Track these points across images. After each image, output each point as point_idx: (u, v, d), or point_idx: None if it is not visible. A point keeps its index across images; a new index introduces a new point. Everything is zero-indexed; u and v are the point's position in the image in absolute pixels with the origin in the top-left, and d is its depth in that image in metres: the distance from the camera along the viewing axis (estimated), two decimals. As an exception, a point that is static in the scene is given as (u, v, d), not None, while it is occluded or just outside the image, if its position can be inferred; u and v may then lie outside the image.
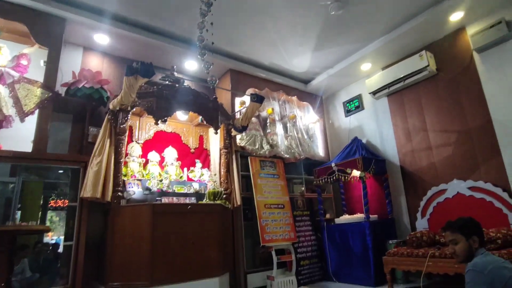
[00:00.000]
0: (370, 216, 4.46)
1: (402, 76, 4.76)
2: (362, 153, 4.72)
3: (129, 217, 3.43)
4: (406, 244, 4.00)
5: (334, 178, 4.75)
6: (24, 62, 3.93)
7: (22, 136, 3.74)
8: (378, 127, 5.28)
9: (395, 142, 5.01)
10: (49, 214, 3.76)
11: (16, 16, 3.64)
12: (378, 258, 4.05)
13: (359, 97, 5.63)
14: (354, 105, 5.69)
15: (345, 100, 5.90)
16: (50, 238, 3.73)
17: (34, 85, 3.88)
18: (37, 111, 3.83)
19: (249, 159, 4.65)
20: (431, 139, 4.57)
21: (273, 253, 4.05)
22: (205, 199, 4.11)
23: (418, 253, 3.56)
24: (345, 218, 4.79)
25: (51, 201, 3.78)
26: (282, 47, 4.71)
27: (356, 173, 4.69)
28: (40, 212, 3.71)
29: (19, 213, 3.53)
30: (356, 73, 5.43)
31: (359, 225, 4.41)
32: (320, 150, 5.76)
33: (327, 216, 5.18)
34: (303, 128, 5.56)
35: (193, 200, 4.12)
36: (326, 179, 4.86)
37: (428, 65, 4.45)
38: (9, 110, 3.71)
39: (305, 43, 4.67)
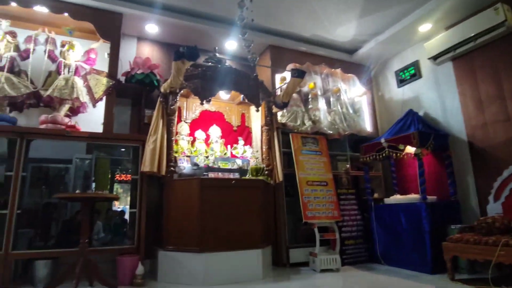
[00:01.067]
0: (428, 197, 3.74)
1: (472, 35, 3.88)
2: (418, 127, 3.99)
3: (180, 190, 3.60)
4: (473, 230, 3.35)
5: (383, 155, 4.14)
6: (92, 56, 4.25)
7: (93, 119, 4.03)
8: (439, 97, 4.41)
9: (461, 114, 4.13)
10: (115, 186, 4.07)
11: (84, 16, 3.96)
12: (436, 244, 3.51)
13: (415, 64, 4.80)
14: (409, 74, 4.86)
15: (397, 68, 5.11)
16: (117, 207, 4.05)
17: (101, 75, 4.16)
18: (104, 98, 4.07)
19: (290, 136, 4.39)
20: (510, 109, 3.55)
21: (316, 230, 3.86)
22: (248, 175, 4.09)
23: (488, 241, 2.98)
24: (397, 198, 4.17)
25: (117, 175, 4.08)
26: (324, 17, 4.26)
27: (410, 149, 3.97)
28: (109, 185, 3.98)
29: (93, 184, 3.82)
30: (412, 37, 4.63)
31: (414, 206, 3.81)
32: (367, 125, 5.17)
33: (375, 195, 4.60)
34: (348, 102, 5.02)
35: (236, 175, 4.10)
36: (374, 156, 4.26)
37: (505, 20, 3.44)
38: (84, 97, 3.98)
39: (350, 9, 4.16)
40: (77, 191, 3.56)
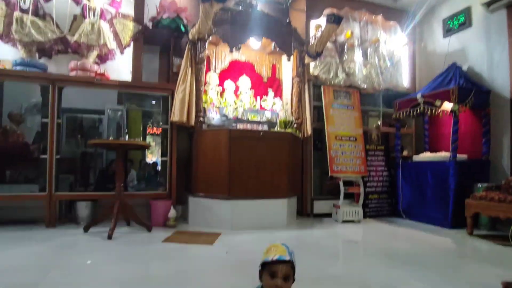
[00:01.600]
0: (458, 155, 3.59)
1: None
2: (459, 82, 3.71)
3: (209, 140, 3.61)
4: (500, 189, 3.31)
5: (418, 111, 3.93)
6: (117, -2, 3.92)
7: (122, 68, 3.95)
8: (487, 49, 4.03)
9: (508, 69, 3.76)
10: (148, 139, 4.12)
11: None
12: (459, 201, 3.52)
13: (466, 11, 4.29)
14: (458, 22, 4.40)
15: (446, 16, 4.60)
16: (150, 159, 4.23)
17: (127, 19, 3.98)
18: (132, 44, 3.91)
19: (322, 89, 4.20)
20: None
21: (341, 183, 3.86)
22: (276, 128, 4.05)
23: (514, 199, 2.92)
24: (426, 156, 4.05)
25: (148, 128, 4.12)
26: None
27: (447, 106, 3.71)
28: (141, 136, 4.04)
29: (126, 136, 3.88)
30: (466, -20, 4.01)
31: (442, 165, 3.72)
32: (404, 80, 4.87)
33: (404, 153, 4.46)
34: (386, 54, 4.67)
35: (265, 127, 4.08)
36: (408, 113, 4.08)
37: None
38: (111, 44, 3.85)
39: None
40: (111, 138, 3.64)
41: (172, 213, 3.39)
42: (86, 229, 3.07)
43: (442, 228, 3.58)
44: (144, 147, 3.70)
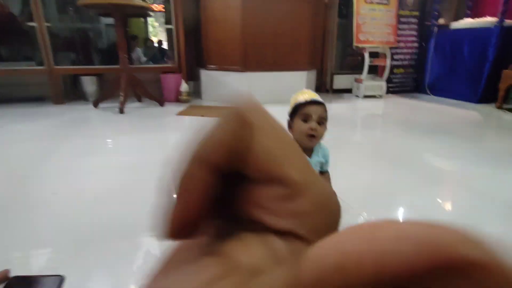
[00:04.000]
0: (505, 20, 2.90)
1: None
2: None
3: (219, 3, 2.95)
4: None
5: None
6: None
7: None
8: None
9: None
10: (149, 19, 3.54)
11: None
12: (493, 74, 3.07)
13: None
14: None
15: None
16: (154, 43, 3.78)
17: None
18: None
19: None
20: None
21: (366, 54, 3.30)
22: None
23: None
24: (467, 22, 3.35)
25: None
26: None
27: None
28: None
29: None
30: None
31: (484, 32, 3.09)
32: None
33: (441, 21, 3.67)
34: None
35: None
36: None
37: None
38: None
39: None
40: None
41: (184, 87, 3.02)
42: (95, 104, 2.77)
43: (468, 103, 3.23)
44: (145, 9, 3.04)
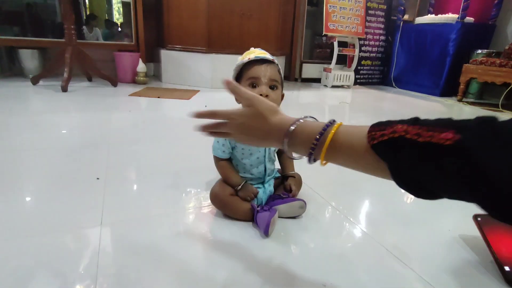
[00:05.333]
0: (466, 17, 2.94)
1: None
2: None
3: None
4: (500, 56, 2.89)
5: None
6: None
7: None
8: None
9: None
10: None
11: None
12: (454, 68, 3.11)
13: None
14: None
15: None
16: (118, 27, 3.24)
17: None
18: None
19: None
20: None
21: (335, 43, 3.15)
22: None
23: (515, 65, 2.53)
24: (430, 17, 3.32)
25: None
26: None
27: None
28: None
29: None
30: None
31: (446, 27, 3.11)
32: None
33: (406, 17, 3.66)
34: None
35: None
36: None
37: None
38: None
39: None
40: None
41: (141, 67, 2.69)
42: (34, 81, 2.36)
43: (431, 96, 3.25)
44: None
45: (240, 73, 0.72)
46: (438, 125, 0.30)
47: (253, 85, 0.70)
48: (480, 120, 0.29)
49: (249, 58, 0.71)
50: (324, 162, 0.40)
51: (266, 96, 0.68)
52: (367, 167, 0.37)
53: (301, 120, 0.43)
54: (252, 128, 0.45)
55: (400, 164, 0.32)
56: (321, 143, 0.39)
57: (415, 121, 0.32)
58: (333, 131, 0.39)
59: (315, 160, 0.41)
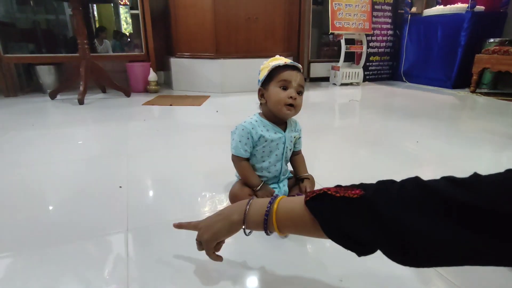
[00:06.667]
0: (476, 6, 2.89)
1: None
2: None
3: None
4: None
5: None
6: None
7: None
8: None
9: None
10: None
11: None
12: (466, 59, 3.05)
13: None
14: None
15: None
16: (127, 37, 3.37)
17: None
18: None
19: None
20: None
21: (342, 41, 3.15)
22: None
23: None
24: (439, 9, 3.26)
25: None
26: None
27: None
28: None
29: None
30: None
31: (456, 18, 3.05)
32: None
33: (413, 9, 3.61)
34: None
35: None
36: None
37: None
38: None
39: None
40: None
41: (153, 76, 2.76)
42: (52, 96, 2.47)
43: (443, 88, 3.19)
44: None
45: (270, 75, 0.76)
46: (352, 186, 0.41)
47: (284, 88, 0.74)
48: (380, 182, 0.39)
49: (285, 62, 0.75)
50: (281, 234, 0.49)
51: (295, 99, 0.74)
52: (309, 229, 0.44)
53: (247, 207, 0.51)
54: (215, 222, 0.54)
55: (324, 215, 0.41)
56: (270, 219, 0.48)
57: (336, 186, 0.43)
58: (275, 206, 0.48)
59: (271, 232, 0.49)
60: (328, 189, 0.42)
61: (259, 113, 0.82)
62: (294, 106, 0.75)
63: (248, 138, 0.77)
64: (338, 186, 0.42)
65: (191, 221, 0.59)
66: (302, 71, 0.78)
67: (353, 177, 1.05)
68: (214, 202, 0.87)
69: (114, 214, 0.81)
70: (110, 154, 1.27)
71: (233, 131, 0.80)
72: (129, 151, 1.30)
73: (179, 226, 0.61)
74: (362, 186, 0.40)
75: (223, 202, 0.86)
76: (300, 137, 0.86)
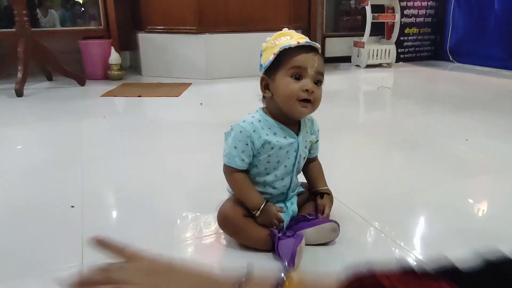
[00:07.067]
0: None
1: None
2: None
3: None
4: None
5: None
6: None
7: None
8: None
9: None
10: None
11: None
12: None
13: None
14: None
15: None
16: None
17: None
18: None
19: None
20: None
21: (368, 8, 3.23)
22: None
23: None
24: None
25: None
26: None
27: None
28: None
29: None
30: None
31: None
32: None
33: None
34: None
35: None
36: None
37: None
38: None
39: None
40: None
41: (115, 57, 2.80)
42: (-20, 85, 2.48)
43: (503, 70, 3.23)
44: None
45: (278, 60, 0.75)
46: (427, 273, 0.30)
47: (297, 77, 0.73)
48: (489, 262, 0.30)
49: (297, 41, 0.73)
50: None
51: (312, 92, 0.72)
52: None
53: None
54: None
55: None
56: None
57: (403, 270, 0.31)
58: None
59: None
60: (385, 275, 0.29)
61: (262, 109, 0.81)
62: (311, 102, 0.74)
63: (246, 144, 0.76)
64: (407, 271, 0.30)
65: (127, 246, 0.41)
66: (320, 51, 0.77)
67: (383, 191, 1.06)
68: (198, 225, 0.88)
69: (64, 244, 0.82)
70: (58, 163, 1.29)
71: (227, 132, 0.80)
72: (84, 158, 1.32)
73: (99, 242, 0.41)
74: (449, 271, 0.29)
75: (211, 225, 0.87)
76: (317, 141, 0.87)
